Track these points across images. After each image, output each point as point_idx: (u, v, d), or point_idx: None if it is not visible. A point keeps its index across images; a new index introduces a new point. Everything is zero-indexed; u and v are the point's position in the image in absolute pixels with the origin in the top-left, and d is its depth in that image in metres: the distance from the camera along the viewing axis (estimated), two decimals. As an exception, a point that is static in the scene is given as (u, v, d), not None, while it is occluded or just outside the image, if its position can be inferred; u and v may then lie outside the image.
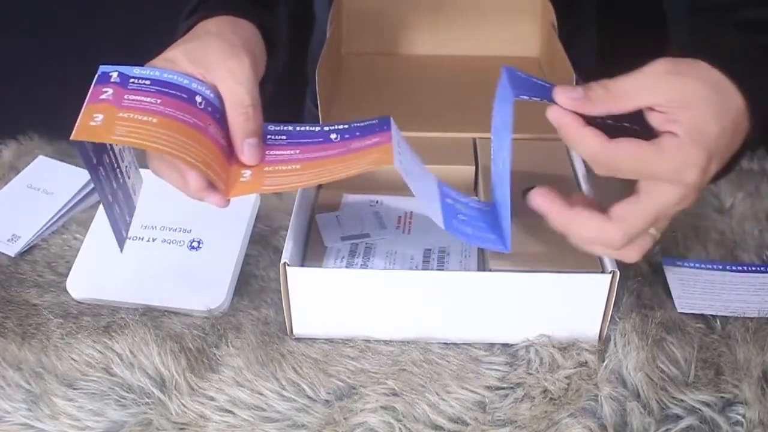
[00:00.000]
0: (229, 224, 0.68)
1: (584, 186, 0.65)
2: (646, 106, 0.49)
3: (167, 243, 0.67)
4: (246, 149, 0.55)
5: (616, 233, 0.50)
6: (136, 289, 0.64)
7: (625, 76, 0.50)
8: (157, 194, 0.70)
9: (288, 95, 1.01)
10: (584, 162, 0.68)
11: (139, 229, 0.67)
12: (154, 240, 0.67)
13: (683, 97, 0.49)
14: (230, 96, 0.56)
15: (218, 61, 0.56)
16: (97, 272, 0.65)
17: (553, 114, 0.51)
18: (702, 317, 0.62)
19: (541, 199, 0.53)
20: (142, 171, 0.71)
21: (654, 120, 0.50)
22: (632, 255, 0.52)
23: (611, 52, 0.91)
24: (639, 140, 0.49)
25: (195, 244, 0.66)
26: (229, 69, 0.56)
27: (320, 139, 0.57)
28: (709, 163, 0.49)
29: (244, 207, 0.69)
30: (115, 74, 0.54)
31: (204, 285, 0.64)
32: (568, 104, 0.50)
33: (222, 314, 0.63)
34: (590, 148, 0.50)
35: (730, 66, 0.51)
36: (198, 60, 0.56)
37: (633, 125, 0.50)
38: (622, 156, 0.49)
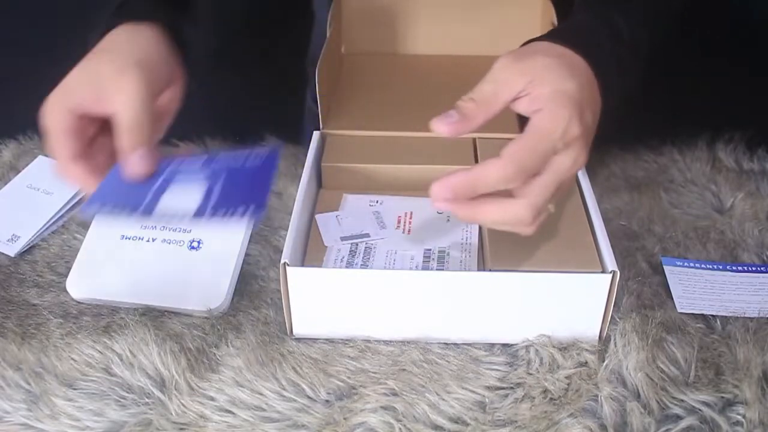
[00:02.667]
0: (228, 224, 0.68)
1: (584, 185, 0.65)
2: (511, 98, 0.53)
3: (167, 243, 0.67)
4: (132, 163, 0.56)
5: (525, 211, 0.52)
6: (135, 289, 0.64)
7: (481, 82, 0.54)
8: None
9: (288, 95, 1.02)
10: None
11: (139, 229, 0.67)
12: (154, 240, 0.67)
13: (534, 74, 0.53)
14: (121, 112, 0.56)
15: (109, 80, 0.57)
16: (97, 272, 0.65)
17: (441, 206, 0.52)
18: (702, 317, 0.62)
19: (441, 203, 0.52)
20: None
21: (521, 107, 0.53)
22: (531, 229, 0.54)
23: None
24: (510, 143, 0.51)
25: (195, 244, 0.66)
26: (118, 87, 0.56)
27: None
28: (582, 112, 0.52)
29: None
30: None
31: (204, 285, 0.64)
32: (449, 131, 0.52)
33: (222, 314, 0.63)
34: (494, 184, 0.51)
35: (568, 38, 0.56)
36: (92, 82, 0.57)
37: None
38: (515, 163, 0.50)
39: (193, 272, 0.65)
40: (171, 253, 0.66)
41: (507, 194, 0.52)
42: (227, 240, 0.67)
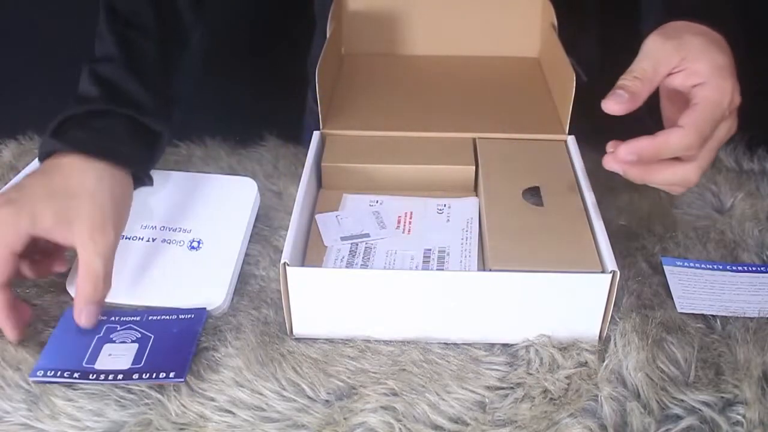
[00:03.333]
0: (229, 224, 0.68)
1: (584, 185, 0.65)
2: (667, 73, 0.58)
3: (167, 243, 0.67)
4: (84, 313, 0.59)
5: (695, 173, 0.57)
6: (136, 290, 0.64)
7: (638, 61, 0.58)
8: (157, 194, 0.71)
9: (289, 95, 1.01)
10: (583, 163, 0.68)
11: (139, 229, 0.67)
12: (153, 240, 0.67)
13: (687, 51, 0.58)
14: (86, 264, 0.59)
15: (85, 228, 0.59)
16: None
17: (618, 167, 0.57)
18: (702, 317, 0.62)
19: (620, 164, 0.57)
20: None
21: (677, 81, 0.58)
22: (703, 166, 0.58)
23: (613, 51, 0.91)
24: (688, 113, 0.56)
25: (195, 244, 0.66)
26: (92, 239, 0.59)
27: None
28: (737, 83, 0.58)
29: (244, 207, 0.69)
30: None
31: (204, 285, 0.64)
32: (623, 109, 0.56)
33: (222, 314, 0.63)
34: (676, 150, 0.56)
35: (700, 17, 0.61)
36: (65, 219, 0.59)
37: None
38: (697, 131, 0.55)
39: (193, 272, 0.65)
40: (171, 253, 0.66)
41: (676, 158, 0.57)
42: (227, 240, 0.67)
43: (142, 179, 0.68)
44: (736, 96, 0.58)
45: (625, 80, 0.57)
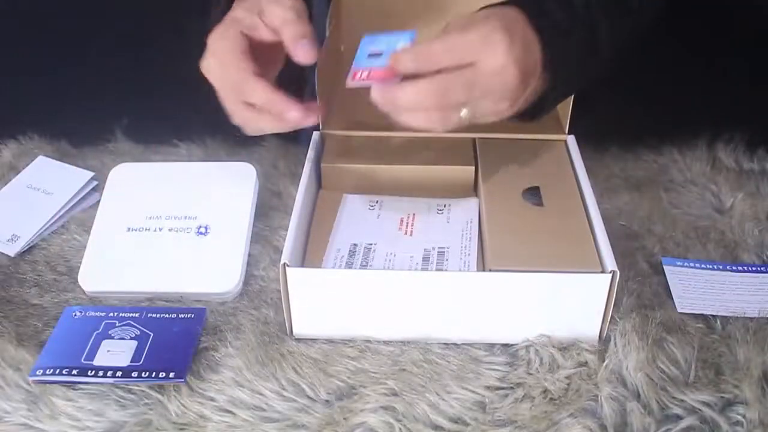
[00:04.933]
0: (233, 209, 0.69)
1: (584, 185, 0.65)
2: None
3: (174, 231, 0.67)
4: (300, 49, 0.59)
5: (433, 88, 0.54)
6: (149, 278, 0.64)
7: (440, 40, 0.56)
8: (159, 185, 0.71)
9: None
10: (583, 162, 0.68)
11: (145, 220, 0.68)
12: (160, 230, 0.67)
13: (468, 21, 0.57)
14: (286, 9, 0.60)
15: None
16: (108, 265, 0.66)
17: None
18: (702, 317, 0.62)
19: (374, 91, 0.56)
20: (128, 165, 0.73)
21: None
22: (437, 121, 0.56)
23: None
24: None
25: (202, 230, 0.67)
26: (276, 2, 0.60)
27: None
28: (512, 38, 0.55)
29: (245, 191, 0.70)
30: None
31: (216, 268, 0.65)
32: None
33: (235, 297, 0.64)
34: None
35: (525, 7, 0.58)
36: (251, 6, 0.61)
37: None
38: (436, 47, 0.55)
39: (203, 257, 0.65)
40: (179, 240, 0.67)
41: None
42: (233, 224, 0.68)
43: None
44: (506, 36, 0.55)
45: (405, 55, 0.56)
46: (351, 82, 0.58)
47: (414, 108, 0.55)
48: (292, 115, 0.58)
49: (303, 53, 0.59)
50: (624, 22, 0.65)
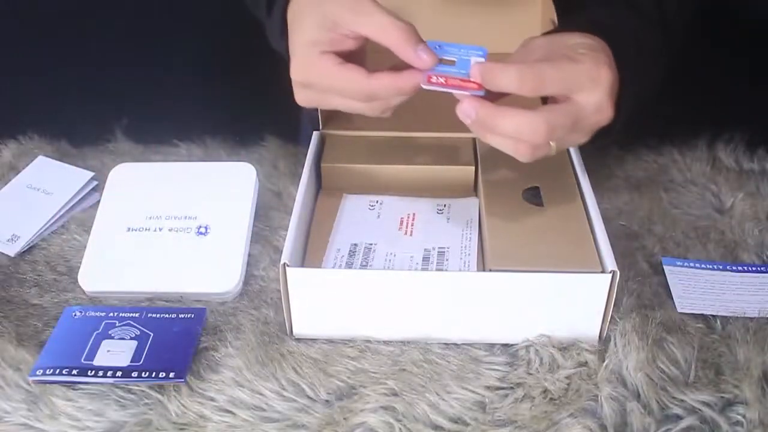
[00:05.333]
0: (233, 208, 0.69)
1: (584, 185, 0.65)
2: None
3: (174, 231, 0.67)
4: (420, 55, 0.55)
5: (542, 124, 0.53)
6: (149, 278, 0.64)
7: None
8: (158, 186, 0.71)
9: (288, 95, 1.01)
10: (583, 163, 0.68)
11: (145, 220, 0.68)
12: (160, 230, 0.67)
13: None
14: (375, 28, 0.56)
15: (344, 11, 0.56)
16: (109, 265, 0.66)
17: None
18: (702, 317, 0.62)
19: (468, 104, 0.55)
20: (128, 165, 0.74)
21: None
22: (527, 153, 0.56)
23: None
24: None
25: (202, 230, 0.67)
26: (353, 11, 0.56)
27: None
28: (614, 77, 0.55)
29: (245, 191, 0.70)
30: None
31: (217, 268, 0.65)
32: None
33: (235, 297, 0.64)
34: (514, 70, 0.54)
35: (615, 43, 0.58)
36: (329, 25, 0.56)
37: None
38: (547, 72, 0.54)
39: (203, 257, 0.65)
40: (180, 240, 0.67)
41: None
42: (233, 224, 0.68)
43: None
44: (609, 71, 0.55)
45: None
46: (427, 85, 0.56)
47: (510, 136, 0.55)
48: (409, 81, 0.57)
49: (427, 56, 0.56)
50: (664, 62, 0.66)
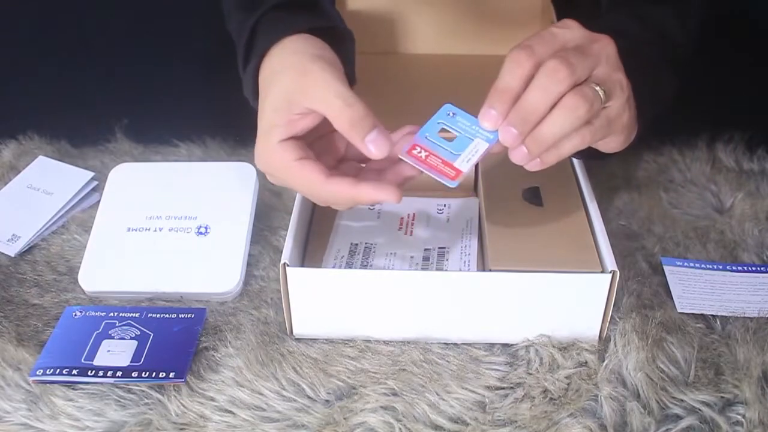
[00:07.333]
0: (233, 208, 0.69)
1: (584, 185, 0.65)
2: None
3: (174, 231, 0.67)
4: (367, 146, 0.52)
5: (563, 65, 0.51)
6: (149, 278, 0.64)
7: None
8: (158, 185, 0.71)
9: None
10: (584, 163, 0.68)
11: (145, 220, 0.68)
12: (160, 230, 0.67)
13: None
14: (325, 109, 0.53)
15: (296, 89, 0.54)
16: (109, 265, 0.66)
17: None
18: (702, 317, 0.62)
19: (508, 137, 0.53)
20: (128, 165, 0.74)
21: None
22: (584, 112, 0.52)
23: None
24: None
25: (203, 230, 0.67)
26: (303, 90, 0.54)
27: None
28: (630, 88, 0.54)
29: (245, 191, 0.70)
30: None
31: (217, 268, 0.65)
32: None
33: (235, 297, 0.64)
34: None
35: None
36: (283, 106, 0.54)
37: None
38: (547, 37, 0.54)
39: (204, 257, 0.65)
40: (180, 240, 0.67)
41: None
42: (233, 224, 0.68)
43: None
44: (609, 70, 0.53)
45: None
46: (404, 155, 0.53)
47: (560, 128, 0.52)
48: (366, 196, 0.54)
49: (376, 148, 0.52)
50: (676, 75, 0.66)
